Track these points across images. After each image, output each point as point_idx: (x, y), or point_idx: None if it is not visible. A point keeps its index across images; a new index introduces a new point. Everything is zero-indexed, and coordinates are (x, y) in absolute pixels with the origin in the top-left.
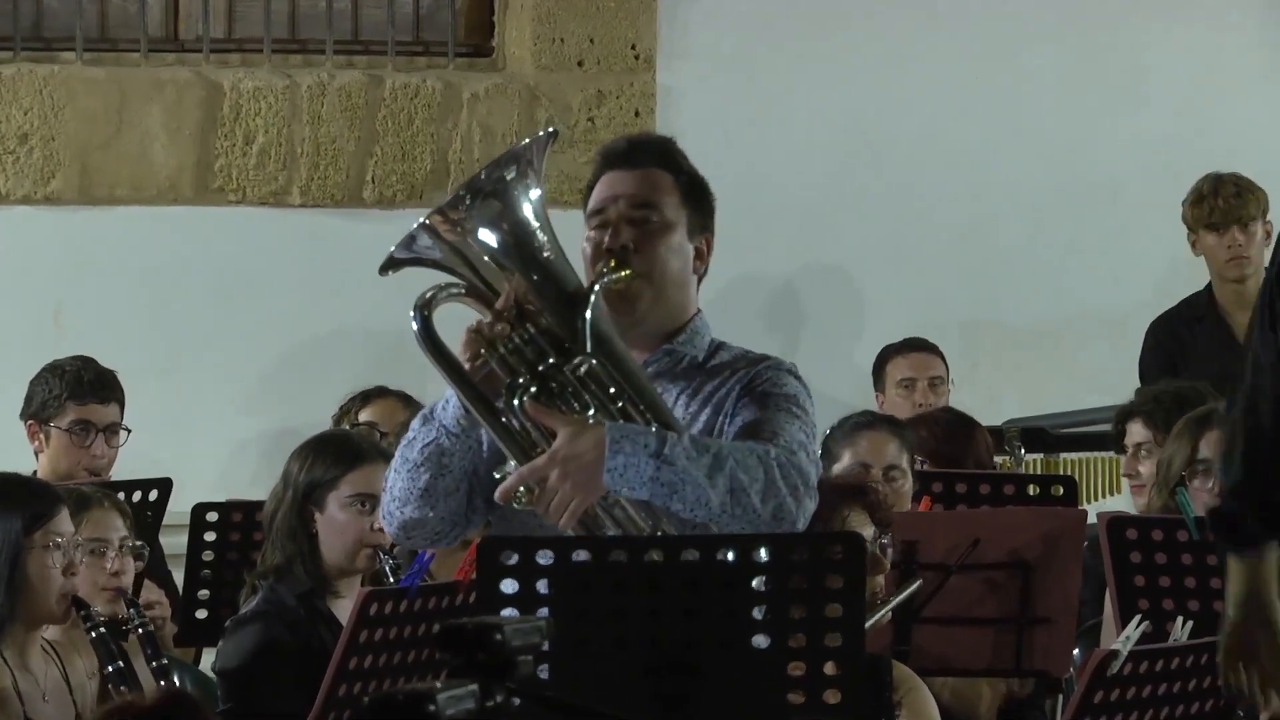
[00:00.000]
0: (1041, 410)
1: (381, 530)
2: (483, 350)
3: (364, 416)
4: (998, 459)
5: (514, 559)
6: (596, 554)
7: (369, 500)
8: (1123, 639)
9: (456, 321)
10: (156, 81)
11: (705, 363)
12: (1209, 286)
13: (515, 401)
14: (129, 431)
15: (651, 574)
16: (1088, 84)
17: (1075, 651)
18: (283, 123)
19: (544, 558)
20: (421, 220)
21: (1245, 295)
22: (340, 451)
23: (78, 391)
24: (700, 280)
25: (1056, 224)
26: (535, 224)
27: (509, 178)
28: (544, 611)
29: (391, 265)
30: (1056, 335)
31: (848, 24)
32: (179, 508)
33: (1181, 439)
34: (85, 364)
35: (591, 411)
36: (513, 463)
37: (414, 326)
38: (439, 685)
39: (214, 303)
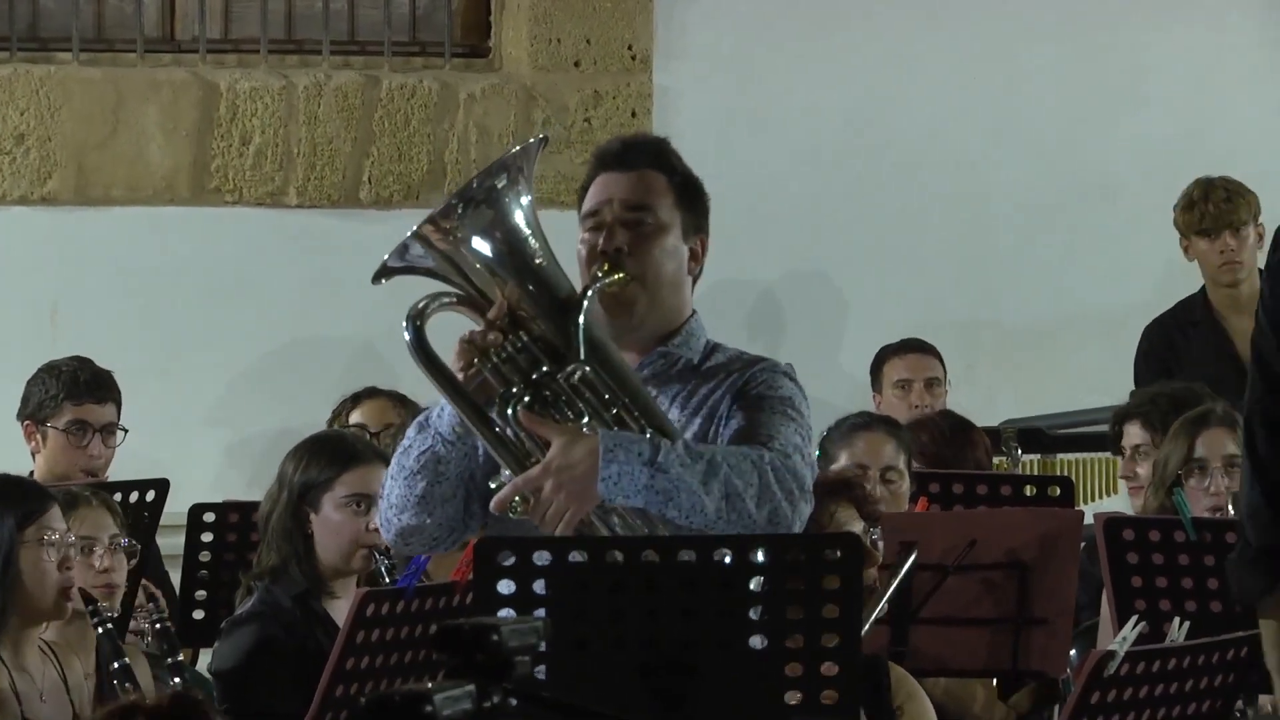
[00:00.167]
0: (1038, 411)
1: (377, 531)
2: (476, 359)
3: (354, 418)
4: (995, 459)
5: (511, 560)
6: (593, 555)
7: (364, 501)
8: (1120, 640)
9: (451, 330)
10: (153, 82)
11: (700, 365)
12: (1203, 290)
13: (509, 411)
14: (126, 432)
15: (648, 574)
16: (1086, 84)
17: (1072, 652)
18: (279, 123)
19: (541, 558)
20: (414, 229)
21: (1239, 299)
22: (335, 452)
23: (74, 392)
24: (695, 281)
25: (1054, 224)
26: (527, 231)
27: (500, 186)
28: (541, 612)
29: (384, 274)
30: (1053, 336)
31: (845, 25)
32: (176, 508)
33: (1177, 439)
34: (82, 364)
35: (586, 419)
36: (507, 472)
37: (406, 337)
38: (436, 686)
39: (211, 303)
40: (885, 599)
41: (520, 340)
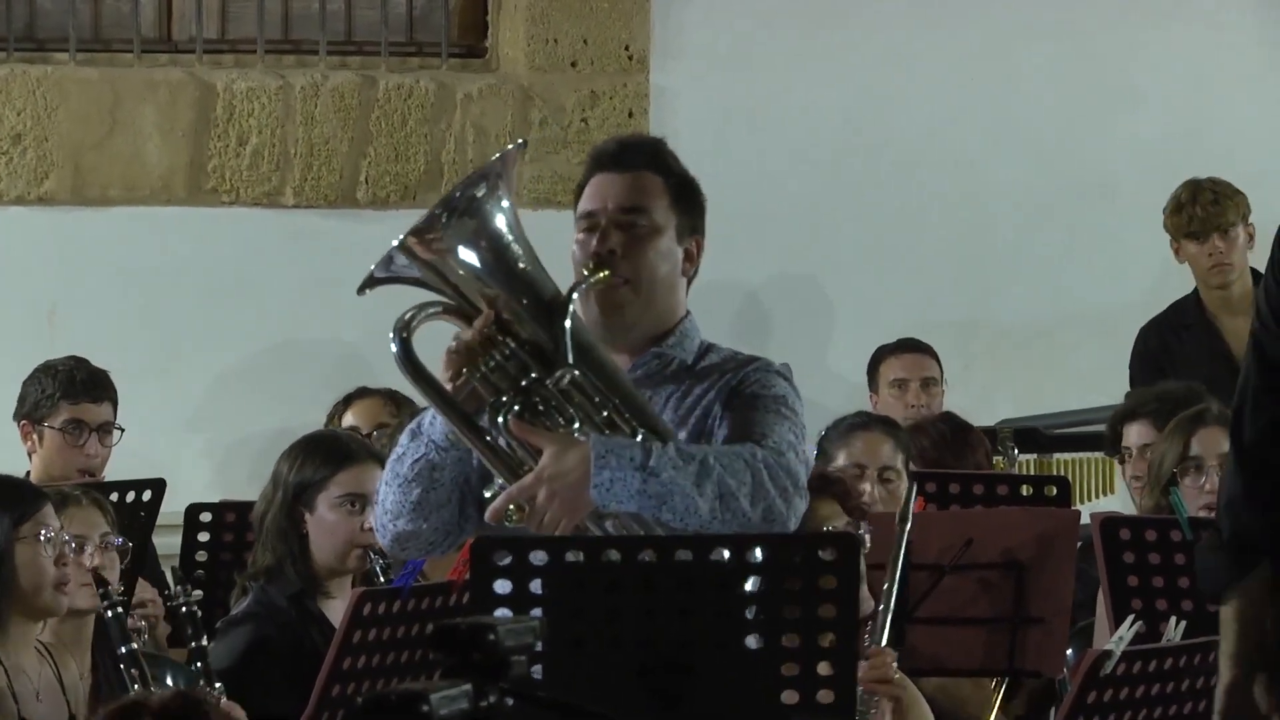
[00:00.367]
0: (1035, 411)
1: (372, 530)
2: (465, 368)
3: (348, 419)
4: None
5: (507, 559)
6: (590, 554)
7: (359, 500)
8: (1116, 639)
9: (440, 338)
10: (150, 82)
11: (694, 365)
12: (1196, 292)
13: (500, 420)
14: (122, 431)
15: (645, 574)
16: (1083, 84)
17: (1069, 652)
18: (276, 123)
19: (537, 558)
20: (398, 240)
21: (1231, 300)
22: (330, 452)
23: (71, 391)
24: (690, 282)
25: (1051, 224)
26: (509, 237)
27: (479, 195)
28: (538, 612)
29: (370, 284)
30: (1050, 335)
31: (843, 24)
32: (173, 508)
33: (1172, 438)
34: (78, 364)
35: (576, 425)
36: (500, 480)
37: (393, 349)
38: (432, 685)
39: (208, 303)
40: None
41: (508, 347)
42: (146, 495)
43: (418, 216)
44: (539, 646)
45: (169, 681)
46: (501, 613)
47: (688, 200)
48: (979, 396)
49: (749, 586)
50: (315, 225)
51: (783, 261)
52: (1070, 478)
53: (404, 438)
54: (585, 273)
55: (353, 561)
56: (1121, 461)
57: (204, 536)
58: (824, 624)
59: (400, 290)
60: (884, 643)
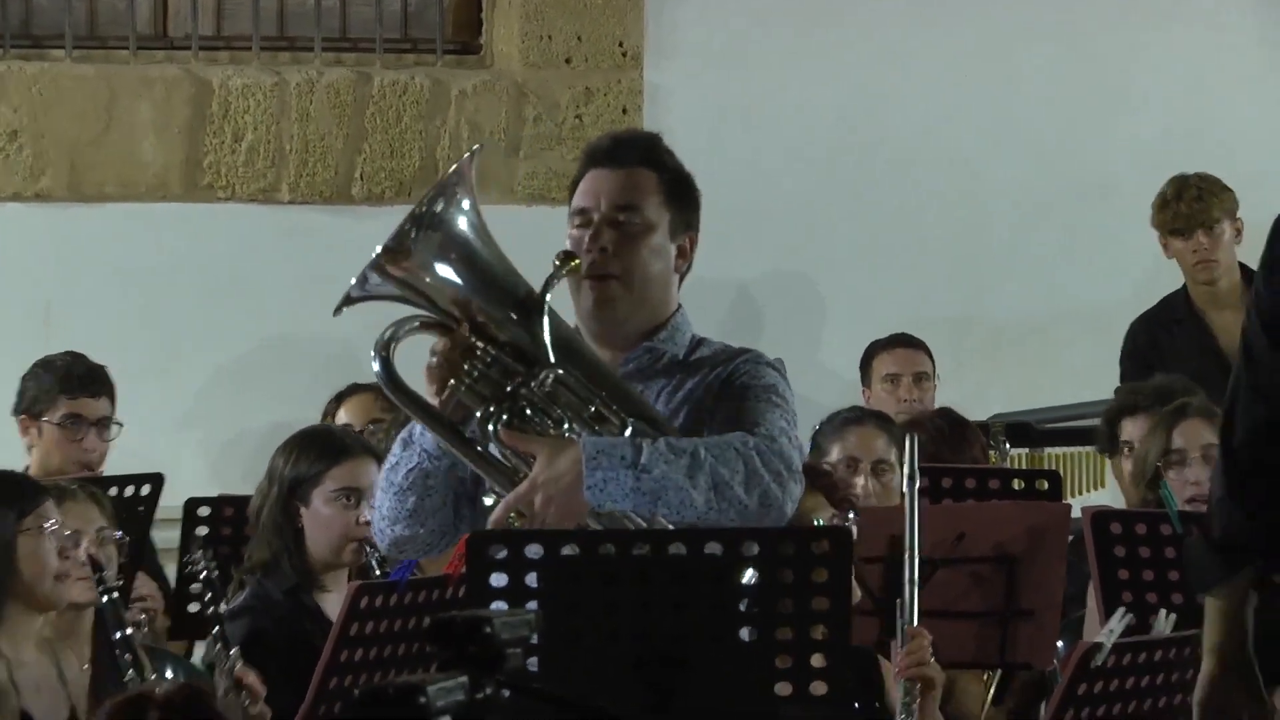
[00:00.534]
0: (1026, 406)
1: (367, 524)
2: (450, 380)
3: (341, 416)
4: None
5: (503, 553)
6: (585, 548)
7: (354, 494)
8: (1107, 631)
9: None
10: (145, 79)
11: (686, 359)
12: (1184, 287)
13: (490, 429)
14: (120, 425)
15: (640, 567)
16: (1081, 84)
17: (1060, 644)
18: (271, 120)
19: (533, 552)
20: (370, 260)
21: (1219, 295)
22: (324, 446)
23: (69, 386)
24: (683, 277)
25: (1045, 222)
26: (478, 243)
27: (439, 210)
28: (533, 605)
29: (347, 303)
30: (1042, 332)
31: (837, 22)
32: (171, 502)
33: (1156, 432)
34: (75, 359)
35: (566, 425)
36: (498, 487)
37: (375, 368)
38: (429, 678)
39: (204, 299)
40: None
41: (489, 354)
42: (145, 490)
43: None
44: (534, 639)
45: (169, 674)
46: (497, 606)
47: (682, 196)
48: (971, 392)
49: (743, 580)
50: (311, 221)
51: (776, 258)
52: (1061, 472)
53: (396, 447)
54: (556, 264)
55: (348, 555)
56: (1121, 456)
57: (202, 531)
58: (817, 616)
59: None
60: (915, 623)
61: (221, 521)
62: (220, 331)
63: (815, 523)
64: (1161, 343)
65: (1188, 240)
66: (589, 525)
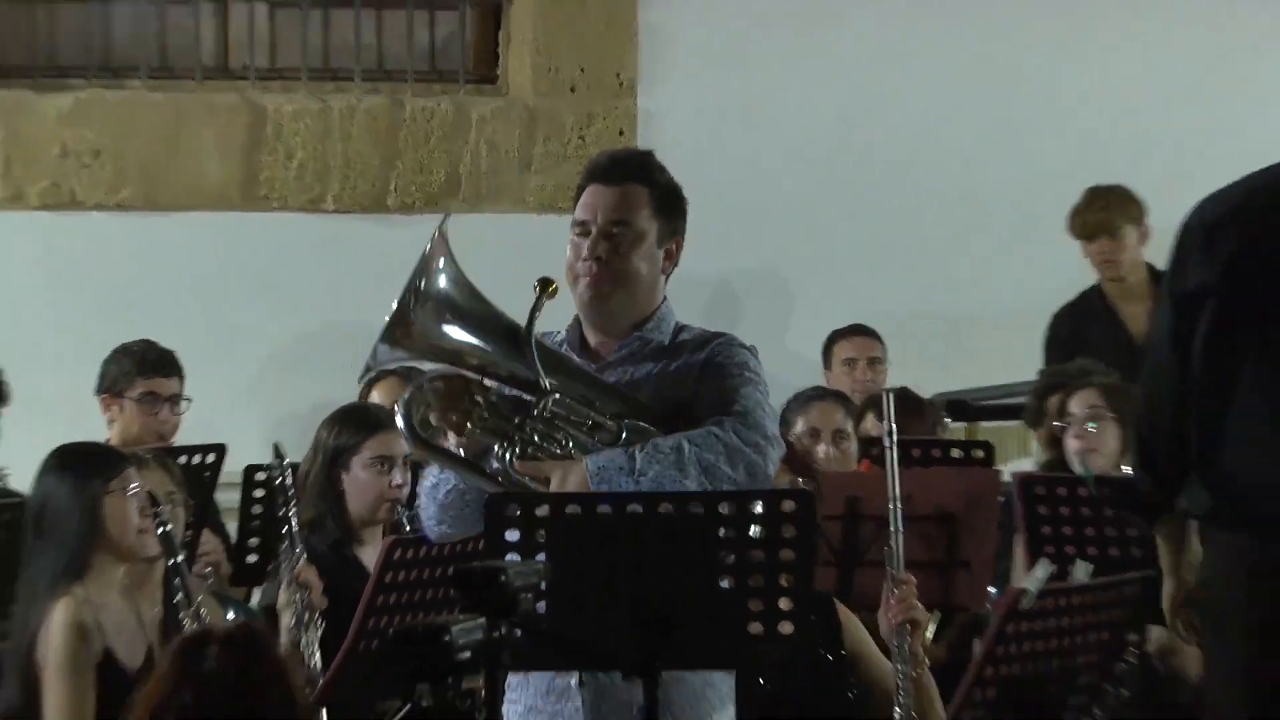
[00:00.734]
0: (963, 385)
1: (399, 487)
2: (465, 424)
3: (374, 396)
4: None
5: (516, 512)
6: (586, 508)
7: (387, 462)
8: (1032, 579)
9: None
10: (209, 105)
11: (670, 344)
12: (1099, 284)
13: (507, 461)
14: (189, 401)
15: (633, 524)
16: (1002, 104)
17: (992, 590)
18: (318, 140)
19: (542, 511)
20: (380, 336)
21: (1128, 290)
22: (361, 421)
23: (144, 368)
24: (669, 275)
25: (981, 227)
26: (464, 299)
27: (423, 284)
28: (541, 557)
29: (366, 373)
30: (978, 322)
31: (812, 59)
32: (232, 469)
33: (1049, 401)
34: (149, 345)
35: (570, 444)
36: None
37: (400, 424)
38: (453, 619)
39: (260, 294)
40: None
41: (494, 394)
42: (210, 458)
43: (438, 219)
44: (543, 586)
45: (230, 615)
46: (511, 558)
47: (670, 207)
48: (917, 373)
49: (721, 534)
50: (352, 228)
51: (749, 257)
52: (993, 443)
53: (434, 468)
54: (536, 291)
55: (383, 513)
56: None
57: (259, 493)
58: (784, 566)
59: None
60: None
61: (275, 485)
62: (273, 321)
63: None
64: (1080, 331)
65: (1094, 244)
66: None
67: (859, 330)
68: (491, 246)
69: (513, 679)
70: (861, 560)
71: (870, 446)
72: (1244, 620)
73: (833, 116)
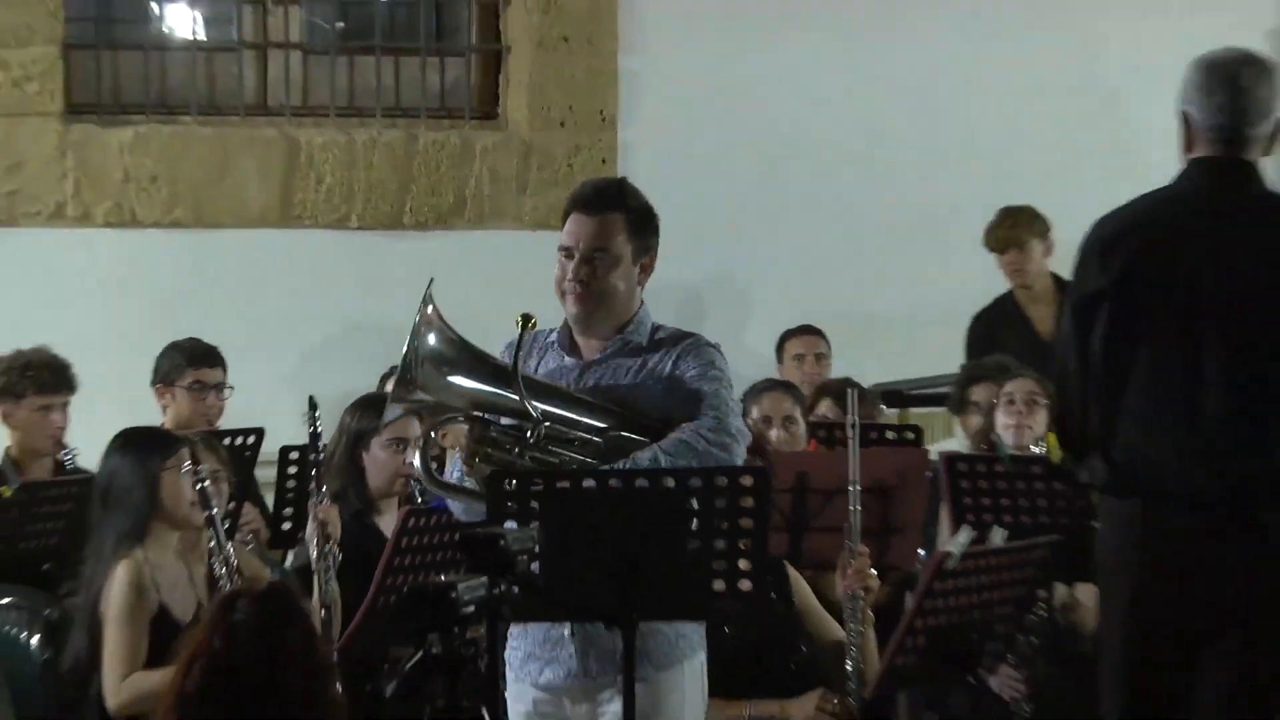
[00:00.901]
0: (897, 377)
1: (411, 464)
2: (475, 460)
3: (389, 386)
4: None
5: (514, 487)
6: (574, 483)
7: (402, 443)
8: (956, 543)
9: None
10: (251, 138)
11: (649, 343)
12: (1012, 290)
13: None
14: (232, 389)
15: (614, 497)
16: (931, 131)
17: (921, 552)
18: (344, 168)
19: (536, 485)
20: (390, 397)
21: (1036, 296)
22: (380, 408)
23: (194, 360)
24: (644, 284)
25: (913, 238)
26: (454, 353)
27: (418, 344)
28: (536, 524)
29: (383, 427)
30: (910, 321)
31: (764, 97)
32: (269, 448)
33: (988, 388)
34: (196, 341)
35: (560, 463)
36: None
37: (417, 468)
38: (459, 578)
39: (294, 298)
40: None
41: (495, 427)
42: (250, 440)
43: (447, 238)
44: (536, 550)
45: (267, 574)
46: (509, 525)
47: (643, 227)
48: (857, 366)
49: (690, 505)
50: (373, 242)
51: (712, 266)
52: (922, 426)
53: (457, 468)
54: (518, 326)
55: (398, 487)
56: (967, 413)
57: (292, 470)
58: (743, 532)
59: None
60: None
61: (306, 464)
62: (306, 321)
63: None
64: (994, 331)
65: (1006, 256)
66: None
67: (807, 330)
68: (493, 259)
69: (513, 629)
70: (809, 527)
71: (818, 429)
72: (1133, 574)
73: (783, 145)
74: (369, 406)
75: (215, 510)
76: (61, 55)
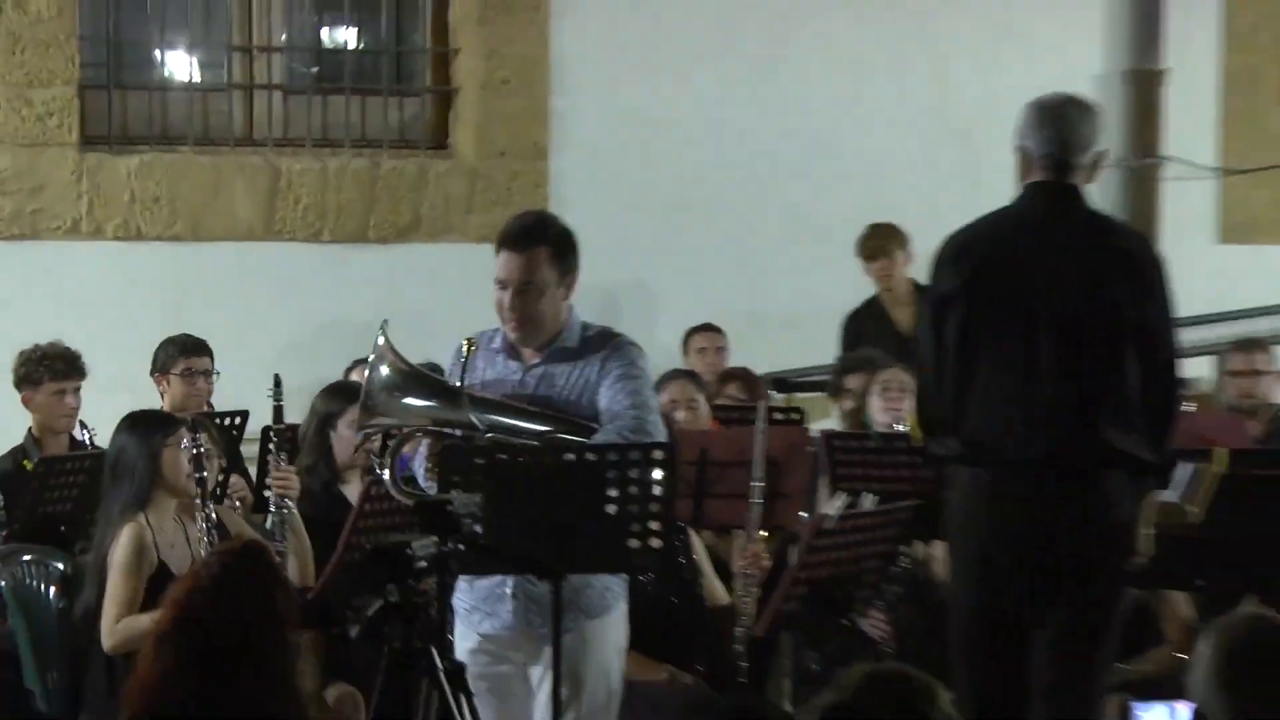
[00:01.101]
0: (784, 366)
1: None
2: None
3: (354, 375)
4: None
5: (461, 460)
6: (511, 456)
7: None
8: (832, 507)
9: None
10: (239, 165)
11: (579, 344)
12: (878, 294)
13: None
14: (219, 374)
15: (546, 469)
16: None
17: (803, 514)
18: (318, 190)
19: (480, 457)
20: (359, 429)
21: (898, 298)
22: (346, 393)
23: (185, 350)
24: (569, 297)
25: (799, 245)
26: (406, 380)
27: (376, 375)
28: (479, 492)
29: (361, 442)
30: (795, 319)
31: (674, 126)
32: (253, 428)
33: (862, 377)
34: (186, 335)
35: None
36: None
37: (384, 477)
38: (413, 538)
39: (274, 299)
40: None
41: (450, 440)
42: (236, 421)
43: (407, 250)
44: (480, 514)
45: (249, 533)
46: (456, 493)
47: (565, 252)
48: (750, 357)
49: (609, 476)
50: (342, 253)
51: (628, 273)
52: (805, 408)
53: (421, 454)
54: (461, 350)
55: (360, 460)
56: (842, 398)
57: (271, 447)
58: (654, 498)
59: (392, 293)
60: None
61: (283, 441)
62: (284, 318)
63: None
64: (863, 328)
65: (874, 264)
66: None
67: (708, 327)
68: (444, 268)
69: (461, 585)
70: (709, 494)
71: (722, 411)
72: (980, 532)
73: (688, 169)
74: (336, 393)
75: (206, 472)
76: (77, 95)
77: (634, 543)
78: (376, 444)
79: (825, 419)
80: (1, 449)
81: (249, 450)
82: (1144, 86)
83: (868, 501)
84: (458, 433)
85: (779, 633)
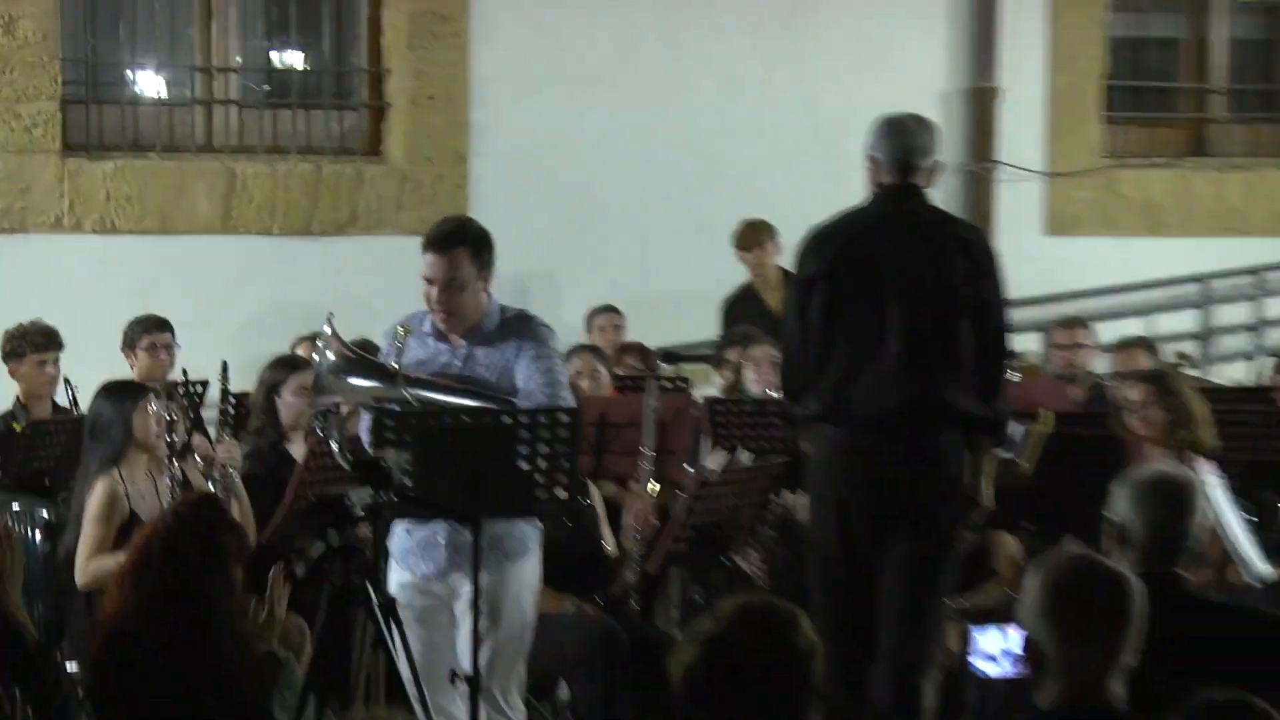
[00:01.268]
0: (673, 341)
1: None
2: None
3: (300, 350)
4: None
5: (391, 422)
6: (435, 418)
7: (305, 390)
8: (714, 461)
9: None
10: (201, 169)
11: (499, 326)
12: (751, 279)
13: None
14: (180, 347)
15: (466, 429)
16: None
17: (689, 469)
18: (270, 191)
19: (409, 420)
20: (310, 406)
21: (768, 282)
22: (290, 365)
23: (148, 327)
24: (487, 287)
25: (692, 236)
26: (349, 365)
27: (323, 360)
28: (408, 450)
29: (316, 415)
30: (682, 299)
31: (585, 136)
32: (212, 396)
33: (735, 349)
34: (151, 315)
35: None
36: None
37: (334, 448)
38: (351, 489)
39: (231, 284)
40: None
41: (389, 414)
42: (198, 388)
43: (346, 242)
44: (407, 468)
45: (207, 486)
46: (389, 450)
47: (482, 250)
48: (644, 334)
49: (523, 435)
50: (290, 245)
51: (537, 263)
52: (690, 377)
53: (366, 420)
54: (397, 336)
55: (303, 422)
56: (722, 369)
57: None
58: (561, 455)
59: (338, 280)
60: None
61: (239, 406)
62: (239, 301)
63: None
64: (740, 309)
65: (749, 254)
66: None
67: (608, 308)
68: (378, 257)
69: (400, 533)
70: (608, 450)
71: (622, 380)
72: (836, 481)
73: (590, 173)
74: (281, 364)
75: (176, 437)
76: (60, 108)
77: (543, 492)
78: (335, 449)
79: (708, 387)
80: None
81: (209, 415)
82: (981, 102)
83: (744, 457)
84: (395, 408)
85: (668, 569)
